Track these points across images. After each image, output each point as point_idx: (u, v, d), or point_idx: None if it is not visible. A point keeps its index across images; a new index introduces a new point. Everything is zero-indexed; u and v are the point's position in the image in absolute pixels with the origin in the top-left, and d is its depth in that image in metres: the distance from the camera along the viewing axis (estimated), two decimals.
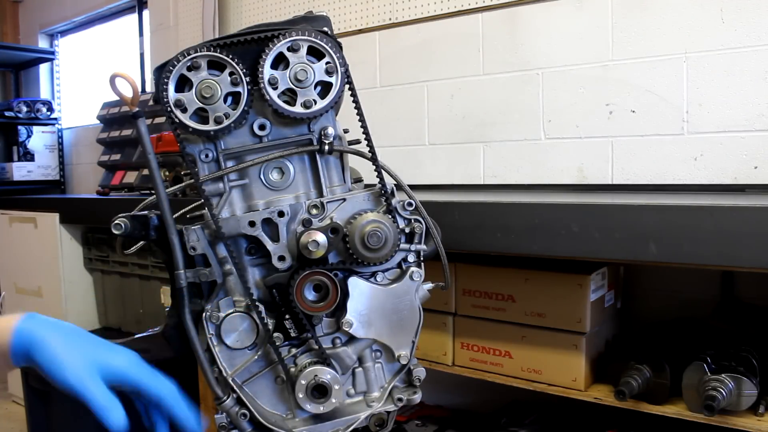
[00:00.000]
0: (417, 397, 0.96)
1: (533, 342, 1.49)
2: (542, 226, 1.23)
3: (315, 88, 0.90)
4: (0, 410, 3.30)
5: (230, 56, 0.87)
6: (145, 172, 3.13)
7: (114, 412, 0.75)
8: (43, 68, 4.40)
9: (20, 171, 4.05)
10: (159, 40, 3.34)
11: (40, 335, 0.74)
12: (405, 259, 0.94)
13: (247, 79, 0.88)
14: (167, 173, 2.23)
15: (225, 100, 0.88)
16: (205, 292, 0.91)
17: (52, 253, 2.93)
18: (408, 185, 0.95)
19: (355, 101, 0.94)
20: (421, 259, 0.95)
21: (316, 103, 0.89)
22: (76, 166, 4.24)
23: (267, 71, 0.88)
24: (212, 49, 0.87)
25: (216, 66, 0.88)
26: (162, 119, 2.83)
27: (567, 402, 1.47)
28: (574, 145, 1.98)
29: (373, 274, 0.93)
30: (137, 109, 0.86)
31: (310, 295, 0.90)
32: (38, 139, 4.13)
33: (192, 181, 0.91)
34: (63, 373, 0.73)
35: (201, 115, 0.88)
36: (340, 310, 0.91)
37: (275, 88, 0.88)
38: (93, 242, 2.97)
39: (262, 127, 0.91)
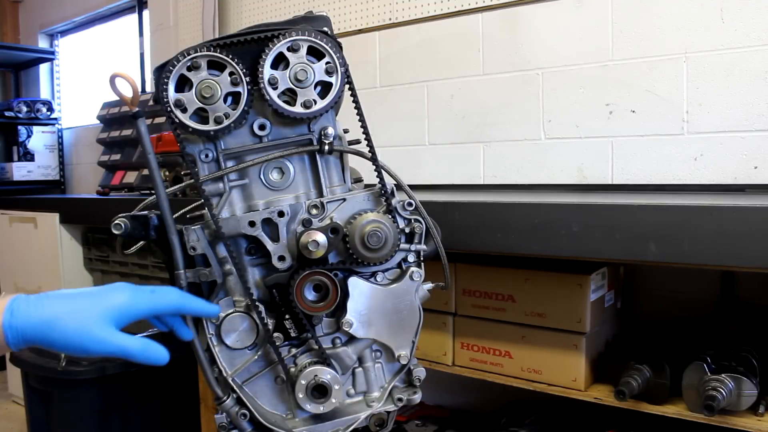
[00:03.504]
0: (417, 397, 0.96)
1: (533, 342, 1.49)
2: (542, 226, 1.23)
3: (315, 88, 0.90)
4: (0, 410, 3.30)
5: (230, 56, 0.87)
6: (145, 172, 3.13)
7: (152, 351, 0.78)
8: (43, 68, 4.39)
9: (20, 171, 4.04)
10: (159, 40, 3.34)
11: (39, 318, 0.73)
12: (405, 259, 0.94)
13: (247, 79, 0.88)
14: (167, 173, 2.22)
15: (225, 100, 0.88)
16: (205, 292, 0.91)
17: (52, 253, 2.92)
18: (408, 185, 0.95)
19: (355, 101, 0.94)
20: (421, 259, 0.95)
21: (316, 103, 0.90)
22: (76, 166, 4.24)
23: (267, 71, 0.88)
24: (212, 49, 0.87)
25: (216, 66, 0.88)
26: (162, 119, 2.83)
27: (567, 402, 1.46)
28: (574, 145, 1.98)
29: (373, 274, 0.93)
30: (137, 109, 0.86)
31: (310, 295, 0.90)
32: (38, 139, 4.13)
33: (192, 181, 0.91)
34: (86, 347, 0.74)
35: (201, 115, 0.88)
36: (340, 310, 0.91)
37: (275, 88, 0.88)
38: (93, 242, 2.97)
39: (262, 127, 0.91)
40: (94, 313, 0.75)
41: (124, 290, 0.79)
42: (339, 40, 0.92)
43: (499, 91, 2.13)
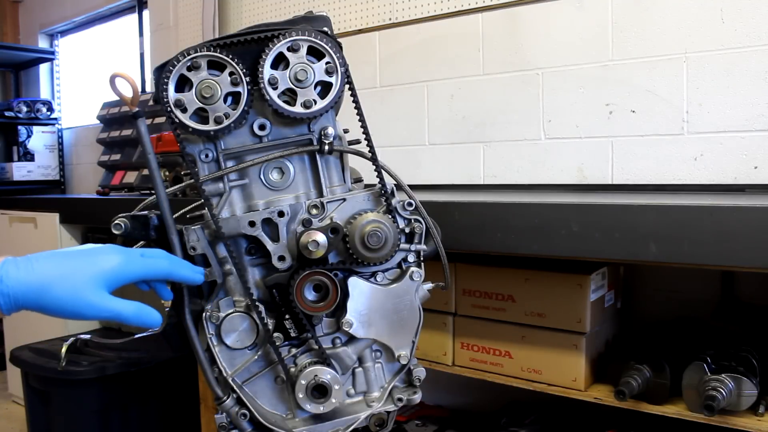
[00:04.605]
0: (417, 397, 0.96)
1: (533, 342, 1.49)
2: (542, 226, 1.22)
3: (315, 88, 0.90)
4: (0, 410, 3.30)
5: (230, 56, 0.87)
6: (145, 172, 3.13)
7: (146, 315, 0.78)
8: (43, 68, 4.39)
9: (20, 171, 4.04)
10: (159, 40, 3.34)
11: (31, 283, 0.72)
12: (405, 259, 0.94)
13: (247, 79, 0.88)
14: (167, 173, 2.22)
15: (225, 100, 0.88)
16: (205, 292, 0.91)
17: None
18: (408, 185, 0.95)
19: (355, 101, 0.94)
20: (421, 259, 0.95)
21: (316, 103, 0.90)
22: (76, 166, 4.24)
23: (267, 71, 0.88)
24: (212, 49, 0.87)
25: (216, 66, 0.88)
26: (162, 119, 2.83)
27: (567, 402, 1.46)
28: (574, 145, 1.98)
29: (373, 274, 0.93)
30: (137, 109, 0.86)
31: (310, 295, 0.90)
32: (38, 139, 4.13)
33: (192, 181, 0.91)
34: (79, 312, 0.74)
35: (201, 115, 0.88)
36: (340, 310, 0.91)
37: (275, 88, 0.88)
38: (93, 242, 2.96)
39: (262, 127, 0.91)
40: (86, 276, 0.74)
41: (116, 253, 0.78)
42: (339, 40, 0.92)
43: (499, 91, 2.13)
